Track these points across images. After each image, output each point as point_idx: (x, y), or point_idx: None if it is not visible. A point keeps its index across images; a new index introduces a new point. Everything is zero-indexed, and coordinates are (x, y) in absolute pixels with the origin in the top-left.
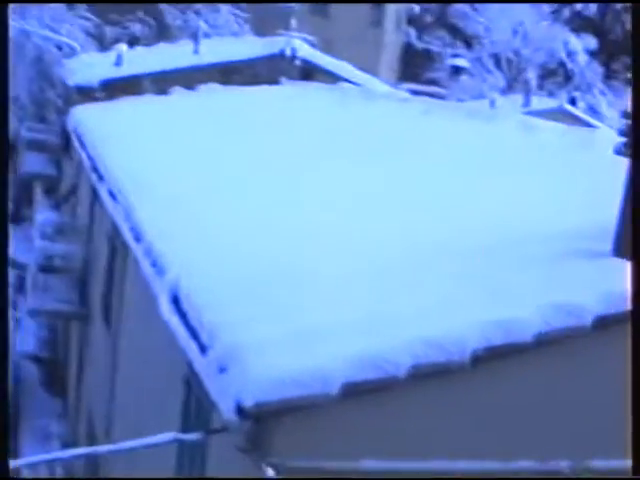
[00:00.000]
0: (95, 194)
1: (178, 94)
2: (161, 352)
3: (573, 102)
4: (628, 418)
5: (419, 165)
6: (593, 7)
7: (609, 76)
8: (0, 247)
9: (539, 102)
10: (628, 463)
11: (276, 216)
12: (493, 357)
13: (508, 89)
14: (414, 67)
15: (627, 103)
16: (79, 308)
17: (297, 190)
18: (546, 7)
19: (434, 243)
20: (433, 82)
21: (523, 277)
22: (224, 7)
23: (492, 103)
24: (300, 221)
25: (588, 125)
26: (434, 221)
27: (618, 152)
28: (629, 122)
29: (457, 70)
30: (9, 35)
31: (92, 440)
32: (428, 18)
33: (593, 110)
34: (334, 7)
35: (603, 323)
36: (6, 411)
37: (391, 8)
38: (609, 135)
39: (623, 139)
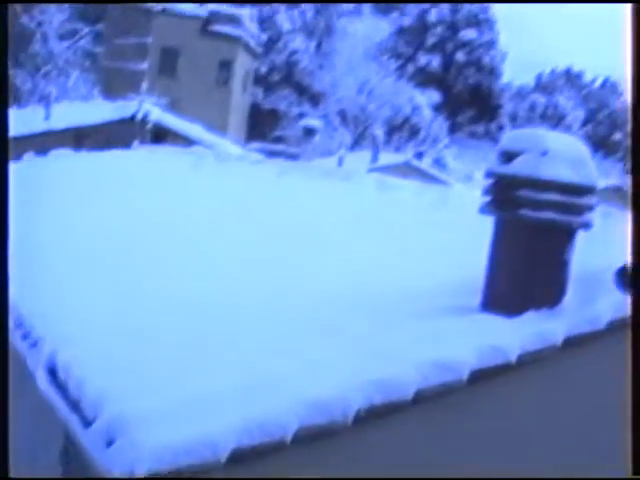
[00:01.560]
0: None
1: (29, 161)
2: (36, 426)
3: (420, 156)
4: (513, 465)
5: (276, 229)
6: (436, 62)
7: (454, 129)
8: (0, 247)
9: (386, 157)
10: None
11: (140, 283)
12: (374, 416)
13: (355, 145)
14: (262, 126)
15: (482, 156)
16: None
17: (156, 256)
18: (391, 63)
19: (298, 307)
20: (281, 140)
21: (395, 335)
22: (73, 71)
23: (340, 161)
24: (166, 288)
25: (435, 179)
26: (297, 284)
27: (483, 211)
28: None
29: (309, 131)
30: (9, 35)
31: None
32: (275, 77)
33: (439, 163)
34: (181, 67)
35: (478, 377)
36: (6, 411)
37: (238, 68)
38: (464, 192)
39: (486, 198)
